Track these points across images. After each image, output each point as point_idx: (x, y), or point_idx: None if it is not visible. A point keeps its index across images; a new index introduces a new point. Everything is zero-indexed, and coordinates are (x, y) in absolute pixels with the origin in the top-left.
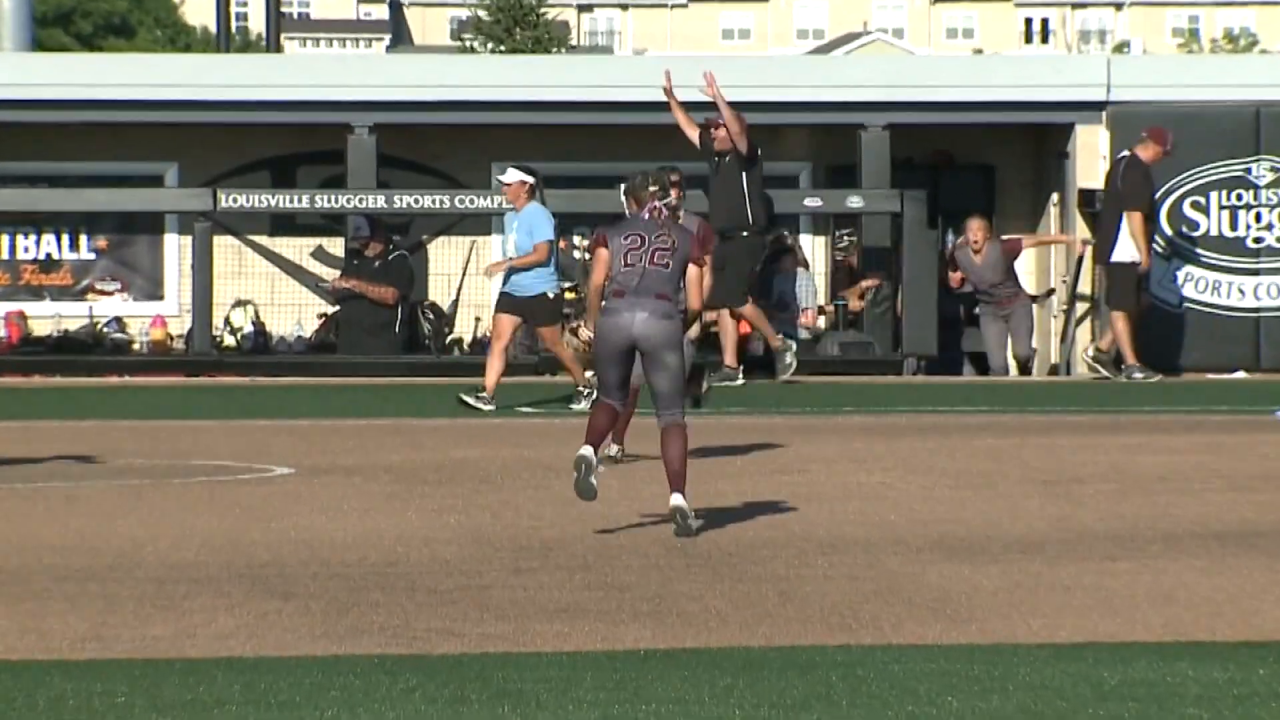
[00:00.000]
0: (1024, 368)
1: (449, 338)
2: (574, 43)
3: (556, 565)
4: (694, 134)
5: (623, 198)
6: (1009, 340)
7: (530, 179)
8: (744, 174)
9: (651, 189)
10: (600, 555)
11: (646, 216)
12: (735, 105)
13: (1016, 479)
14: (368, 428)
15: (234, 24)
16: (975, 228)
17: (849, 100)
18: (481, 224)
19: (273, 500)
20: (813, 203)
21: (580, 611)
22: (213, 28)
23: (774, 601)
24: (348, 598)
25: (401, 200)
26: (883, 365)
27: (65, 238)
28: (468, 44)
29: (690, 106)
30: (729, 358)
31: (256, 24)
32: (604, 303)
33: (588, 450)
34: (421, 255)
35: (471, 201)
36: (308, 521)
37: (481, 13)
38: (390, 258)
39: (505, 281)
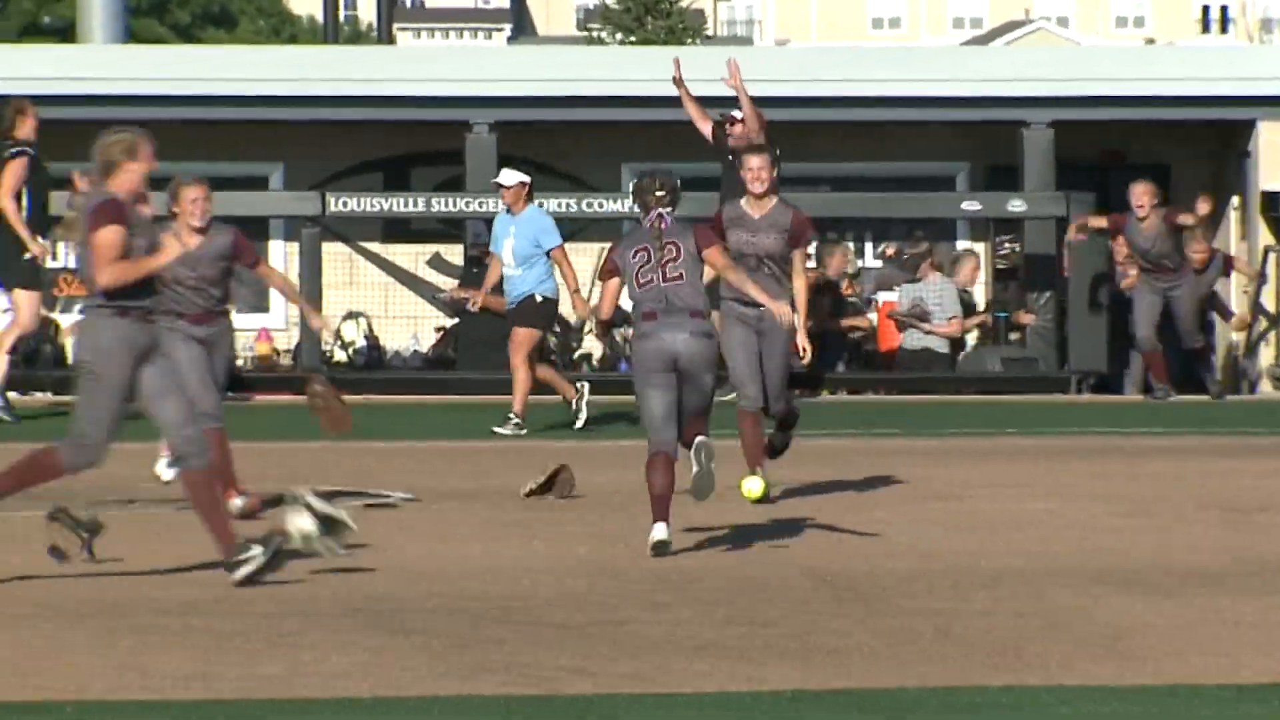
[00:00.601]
0: (1197, 358)
1: (577, 353)
2: (710, 33)
3: (696, 599)
4: (707, 128)
5: (632, 200)
6: (1174, 320)
7: (528, 180)
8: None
9: (658, 193)
10: (743, 589)
11: (647, 227)
12: (888, 100)
13: (1193, 506)
14: (489, 450)
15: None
16: (1140, 192)
17: (1010, 95)
18: (612, 229)
19: (388, 528)
20: (971, 206)
21: (722, 649)
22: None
23: (931, 639)
24: (470, 633)
25: None
26: (1048, 383)
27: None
28: (595, 34)
29: (820, 102)
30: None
31: (367, 13)
32: (639, 328)
33: (662, 531)
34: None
35: (601, 205)
36: (426, 551)
37: (610, 1)
38: None
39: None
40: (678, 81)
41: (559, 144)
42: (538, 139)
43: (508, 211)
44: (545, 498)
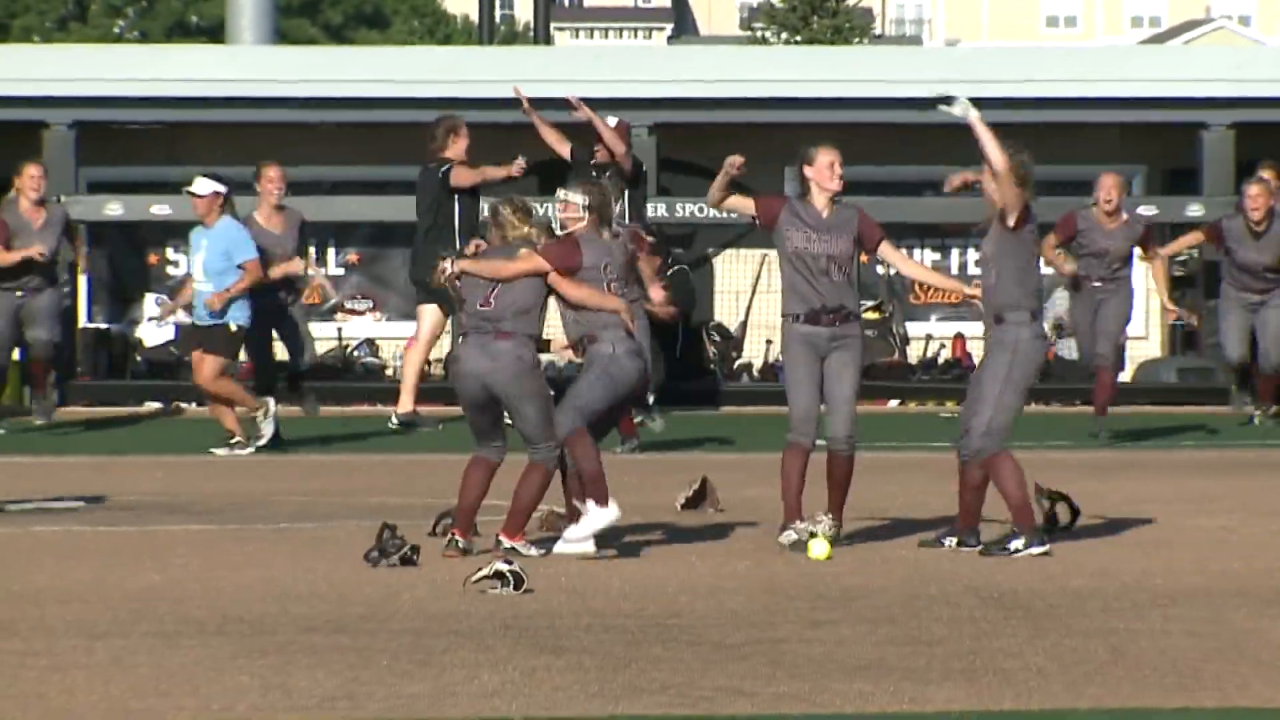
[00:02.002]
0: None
1: (737, 362)
2: (878, 32)
3: (858, 617)
4: (565, 150)
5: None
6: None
7: (224, 190)
8: (625, 193)
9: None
10: (907, 606)
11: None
12: (1060, 102)
13: None
14: (645, 462)
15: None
16: (1253, 193)
17: (1188, 96)
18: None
19: (541, 544)
20: (1147, 210)
21: (885, 668)
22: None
23: (1103, 659)
24: (625, 652)
25: (683, 209)
26: (1225, 394)
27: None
28: (759, 34)
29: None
30: None
31: (524, 13)
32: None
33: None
34: (706, 271)
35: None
36: (578, 569)
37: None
38: (669, 273)
39: (191, 310)
40: (527, 111)
41: (720, 147)
42: (699, 141)
43: (201, 224)
44: (702, 509)
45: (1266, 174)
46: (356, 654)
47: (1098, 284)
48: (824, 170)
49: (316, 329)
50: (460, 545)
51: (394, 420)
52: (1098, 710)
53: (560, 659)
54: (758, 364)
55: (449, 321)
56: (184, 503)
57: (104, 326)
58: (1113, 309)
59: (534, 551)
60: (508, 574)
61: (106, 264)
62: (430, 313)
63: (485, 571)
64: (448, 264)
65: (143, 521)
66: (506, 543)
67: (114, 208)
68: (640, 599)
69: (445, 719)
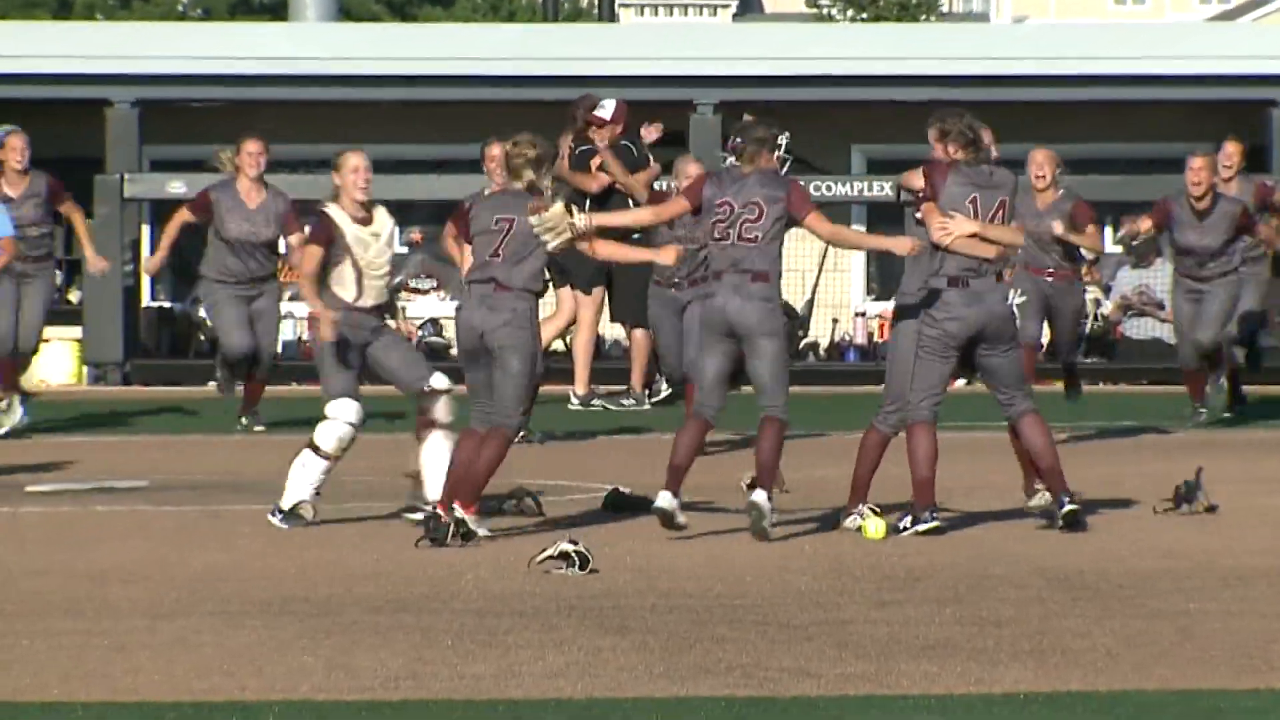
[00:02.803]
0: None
1: (803, 341)
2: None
3: (924, 597)
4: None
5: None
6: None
7: None
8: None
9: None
10: (973, 587)
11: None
12: (1129, 79)
13: None
14: (715, 441)
15: None
16: (1196, 165)
17: (1258, 73)
18: (840, 213)
19: (605, 523)
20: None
21: (951, 649)
22: None
23: (1172, 640)
24: (690, 633)
25: None
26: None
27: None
28: (825, 11)
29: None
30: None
31: None
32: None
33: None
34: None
35: (829, 188)
36: (644, 548)
37: None
38: None
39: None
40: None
41: (786, 125)
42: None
43: None
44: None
45: (1231, 147)
46: (420, 634)
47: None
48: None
49: None
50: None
51: (574, 400)
52: (1165, 691)
53: (625, 639)
54: (824, 343)
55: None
56: (248, 482)
57: (168, 305)
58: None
59: (484, 530)
60: (573, 554)
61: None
62: (569, 298)
63: (550, 551)
64: (579, 218)
65: (207, 501)
66: (460, 512)
67: (176, 186)
68: (706, 579)
69: (510, 699)
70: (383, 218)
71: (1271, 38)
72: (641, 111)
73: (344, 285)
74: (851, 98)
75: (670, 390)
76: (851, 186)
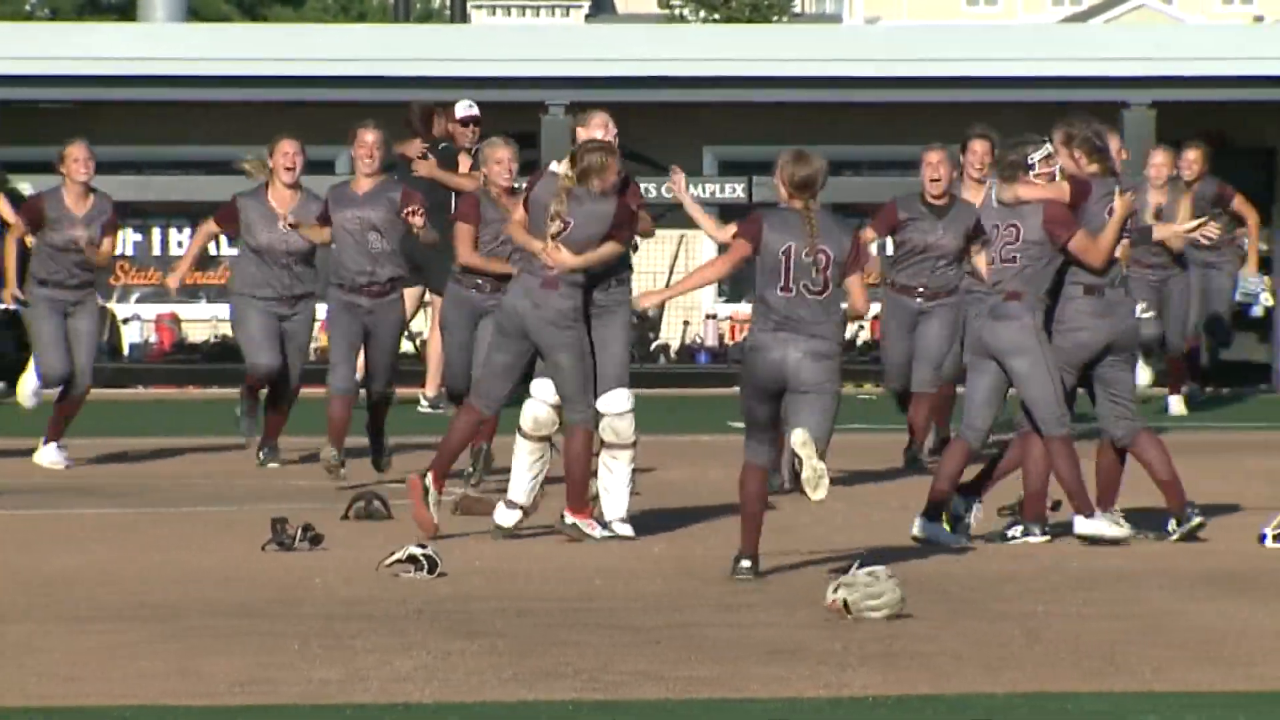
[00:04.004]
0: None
1: (654, 344)
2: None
3: (774, 601)
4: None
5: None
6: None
7: None
8: None
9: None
10: (822, 590)
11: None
12: (980, 81)
13: None
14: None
15: None
16: (934, 160)
17: (1109, 75)
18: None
19: (453, 527)
20: None
21: (800, 653)
22: None
23: (1020, 643)
24: (539, 636)
25: None
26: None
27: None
28: (677, 12)
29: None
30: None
31: None
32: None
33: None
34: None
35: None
36: (493, 552)
37: None
38: None
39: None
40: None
41: (637, 127)
42: (616, 121)
43: None
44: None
45: (979, 144)
46: (267, 638)
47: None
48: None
49: (228, 311)
50: (430, 494)
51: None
52: (1013, 694)
53: (474, 643)
54: (675, 345)
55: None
56: (96, 485)
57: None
58: None
59: (598, 533)
60: (421, 558)
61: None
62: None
63: (399, 555)
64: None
65: (55, 505)
66: (570, 519)
67: (24, 188)
68: (555, 583)
69: (357, 704)
70: None
71: (1123, 39)
72: (493, 112)
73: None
74: (703, 99)
75: (439, 406)
76: (703, 188)
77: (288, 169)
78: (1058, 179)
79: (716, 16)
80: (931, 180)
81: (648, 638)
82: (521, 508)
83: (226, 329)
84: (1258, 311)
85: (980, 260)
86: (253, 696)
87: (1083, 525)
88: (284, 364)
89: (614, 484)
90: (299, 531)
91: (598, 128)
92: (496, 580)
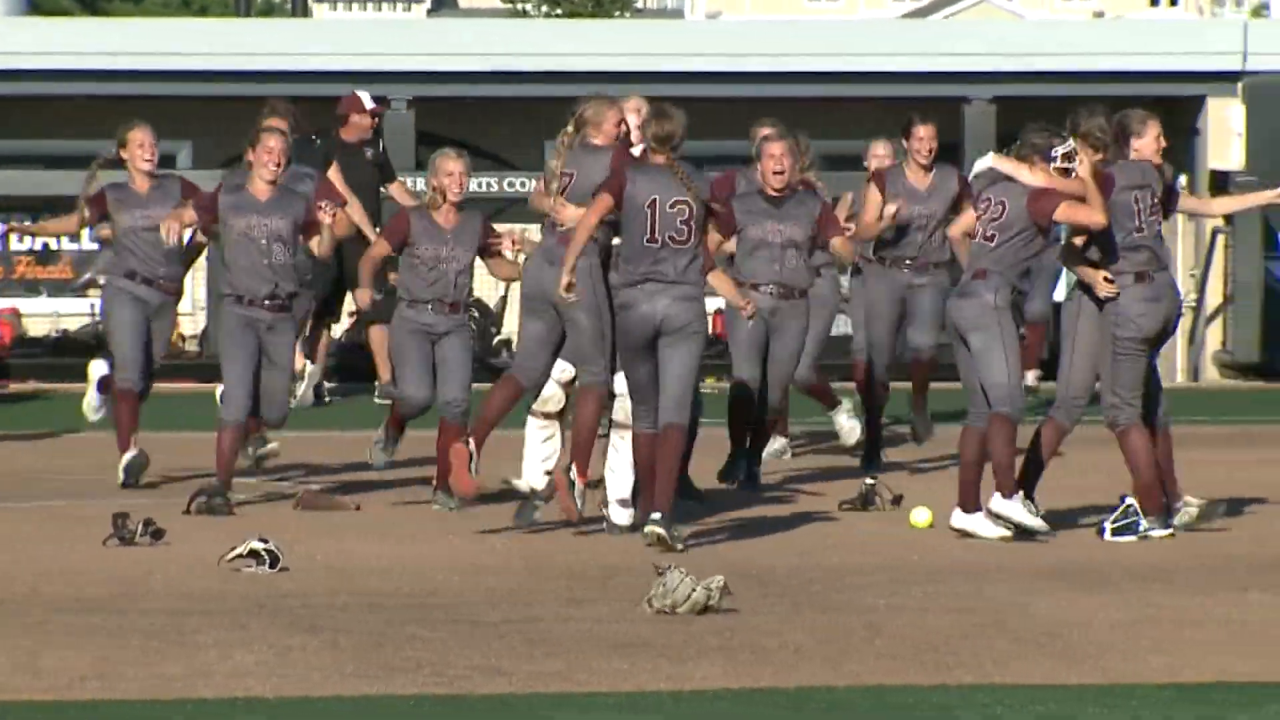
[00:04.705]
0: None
1: (496, 339)
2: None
3: (617, 595)
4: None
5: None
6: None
7: None
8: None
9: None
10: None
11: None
12: (821, 76)
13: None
14: (410, 439)
15: None
16: (775, 153)
17: (950, 70)
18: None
19: (296, 522)
20: None
21: (643, 646)
22: None
23: (862, 636)
24: (381, 631)
25: None
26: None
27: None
28: (520, 7)
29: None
30: None
31: None
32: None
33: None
34: None
35: (522, 184)
36: (337, 546)
37: None
38: None
39: None
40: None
41: (478, 121)
42: (457, 116)
43: None
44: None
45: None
46: (108, 634)
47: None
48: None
49: (68, 305)
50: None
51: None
52: (854, 687)
53: (316, 638)
54: (517, 340)
55: None
56: None
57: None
58: None
59: (581, 503)
60: (263, 552)
61: None
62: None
63: (240, 550)
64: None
65: None
66: (578, 482)
67: None
68: (398, 577)
69: (199, 699)
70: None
71: (964, 35)
72: (334, 107)
73: None
74: (545, 94)
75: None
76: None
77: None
78: (1073, 177)
79: (559, 11)
80: (775, 173)
81: (491, 632)
82: (533, 489)
83: (69, 323)
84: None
85: (957, 232)
86: (95, 691)
87: (998, 503)
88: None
89: (620, 464)
90: (140, 526)
91: (631, 111)
92: (339, 575)
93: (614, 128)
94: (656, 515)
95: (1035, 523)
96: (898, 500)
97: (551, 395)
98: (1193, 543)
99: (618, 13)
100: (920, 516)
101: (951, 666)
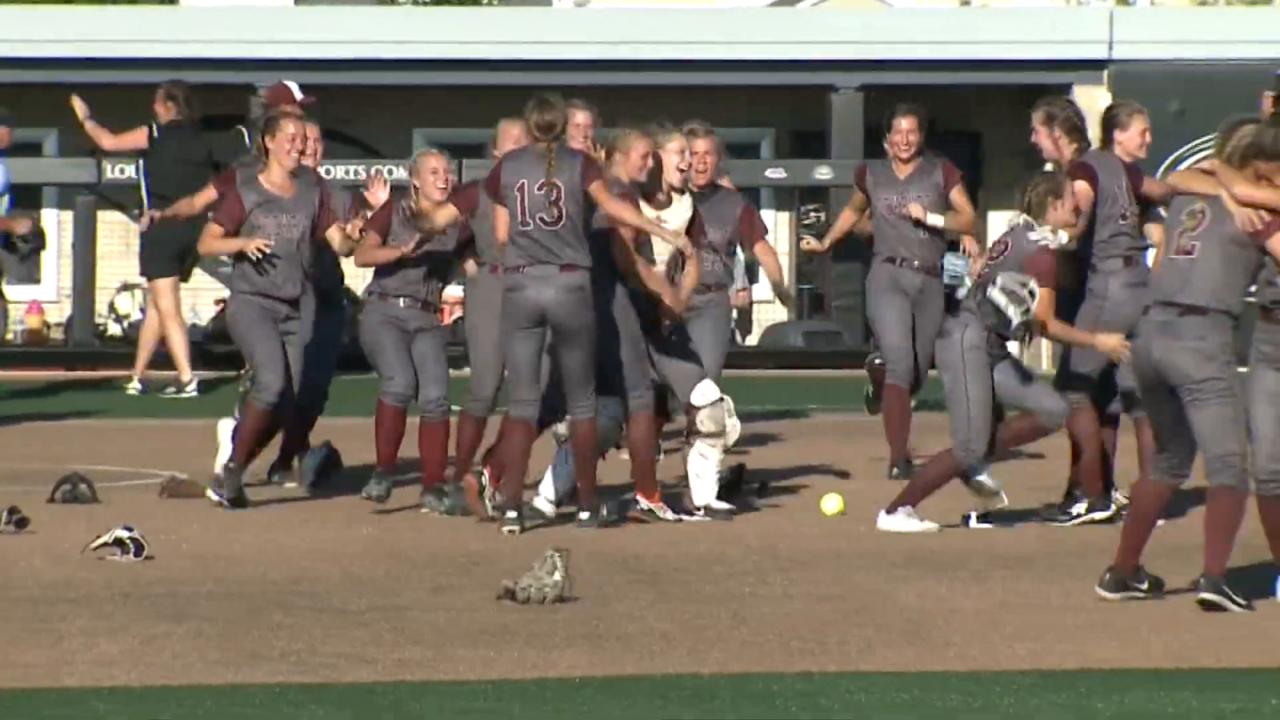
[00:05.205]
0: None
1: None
2: None
3: (482, 583)
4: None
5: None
6: None
7: None
8: None
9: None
10: (520, 571)
11: None
12: (690, 64)
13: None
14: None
15: None
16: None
17: (817, 58)
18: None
19: (161, 510)
20: (775, 174)
21: (507, 634)
22: None
23: (726, 624)
24: (246, 620)
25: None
26: (853, 357)
27: None
28: None
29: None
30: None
31: None
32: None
33: None
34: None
35: (390, 172)
36: (201, 535)
37: None
38: None
39: None
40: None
41: (347, 109)
42: (325, 104)
43: None
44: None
45: (906, 121)
46: None
47: None
48: None
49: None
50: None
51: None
52: (719, 675)
53: (180, 626)
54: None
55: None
56: None
57: None
58: None
59: (669, 515)
60: (127, 540)
61: None
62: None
63: (105, 538)
64: None
65: None
66: (645, 504)
67: None
68: (262, 565)
69: (62, 688)
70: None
71: (832, 22)
72: (200, 94)
73: None
74: (414, 82)
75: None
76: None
77: None
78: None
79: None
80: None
81: (356, 620)
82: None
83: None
84: (964, 293)
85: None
86: None
87: (884, 519)
88: None
89: (705, 470)
90: (4, 514)
91: (674, 152)
92: (203, 563)
93: (641, 159)
94: (585, 515)
95: (925, 526)
96: (763, 488)
97: (712, 416)
98: (1055, 531)
99: (486, 1)
100: (831, 505)
101: (816, 654)
